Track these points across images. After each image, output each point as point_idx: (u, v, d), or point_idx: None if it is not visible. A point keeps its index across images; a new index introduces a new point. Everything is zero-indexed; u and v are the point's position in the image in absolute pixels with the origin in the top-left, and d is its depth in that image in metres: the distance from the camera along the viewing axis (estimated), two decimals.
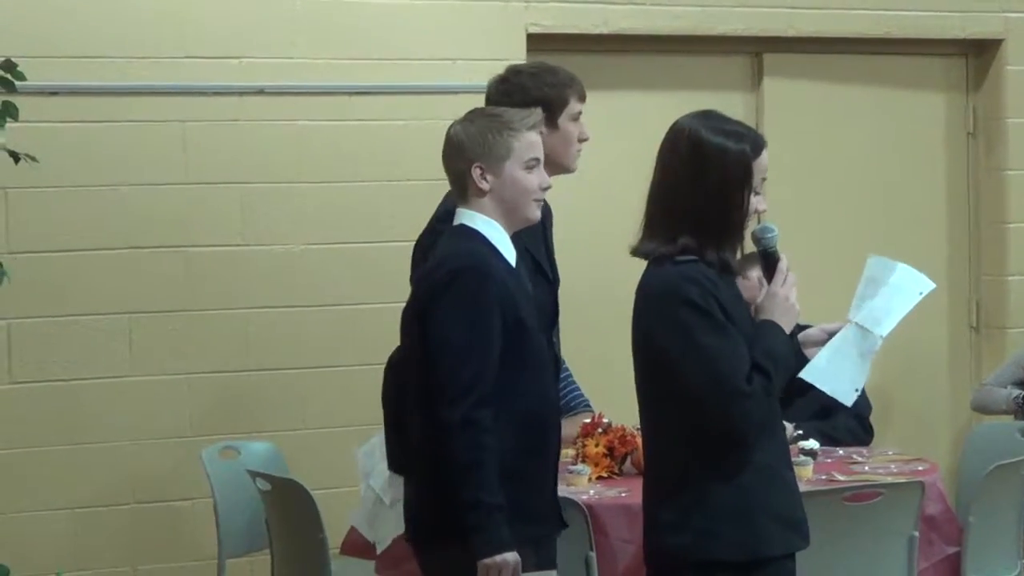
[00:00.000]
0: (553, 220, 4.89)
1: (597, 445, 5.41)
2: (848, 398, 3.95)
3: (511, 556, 3.89)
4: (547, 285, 4.73)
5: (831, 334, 4.00)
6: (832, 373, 3.91)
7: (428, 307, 4.04)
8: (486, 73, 4.99)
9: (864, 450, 5.98)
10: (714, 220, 3.78)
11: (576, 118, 4.79)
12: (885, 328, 3.94)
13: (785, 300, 3.86)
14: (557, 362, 4.75)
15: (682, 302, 3.72)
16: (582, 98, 4.83)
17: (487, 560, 3.90)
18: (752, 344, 3.77)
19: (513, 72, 4.87)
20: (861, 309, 3.97)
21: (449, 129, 4.23)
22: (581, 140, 4.82)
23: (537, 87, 4.76)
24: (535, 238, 4.68)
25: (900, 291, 3.94)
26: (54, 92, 6.24)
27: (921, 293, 3.97)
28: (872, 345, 3.94)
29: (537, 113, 4.28)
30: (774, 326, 3.82)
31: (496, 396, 3.95)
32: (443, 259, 4.09)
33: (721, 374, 3.69)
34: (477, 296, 3.98)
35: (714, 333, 3.71)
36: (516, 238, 4.28)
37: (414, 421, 4.11)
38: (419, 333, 4.07)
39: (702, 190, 3.77)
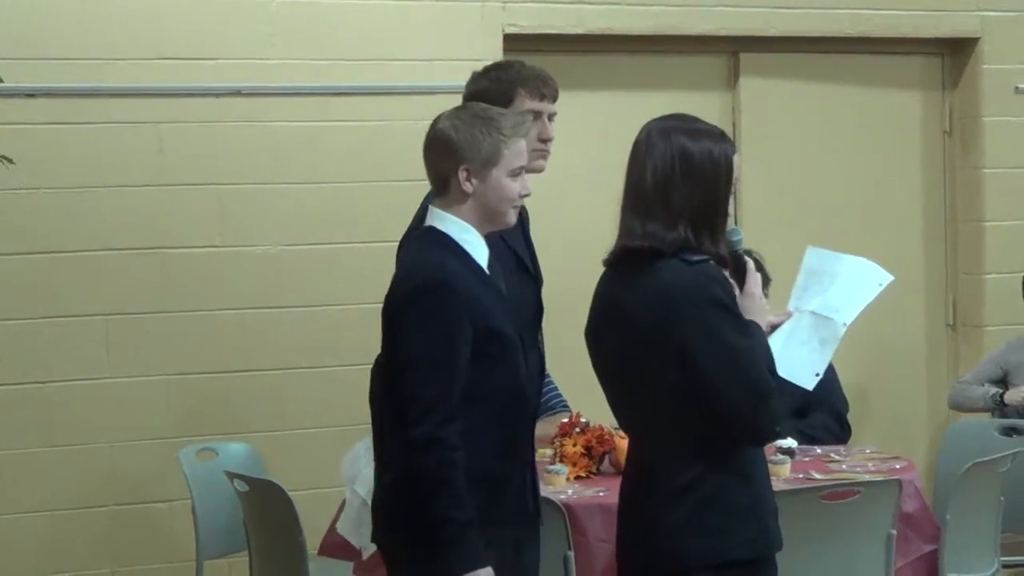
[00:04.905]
0: (528, 218, 4.85)
1: (575, 445, 5.40)
2: (809, 383, 3.97)
3: (484, 573, 3.87)
4: (532, 283, 4.69)
5: (775, 326, 4.00)
6: (788, 360, 3.93)
7: (394, 320, 4.01)
8: (463, 73, 4.96)
9: (842, 448, 5.98)
10: (706, 220, 3.78)
11: (531, 116, 4.57)
12: (847, 316, 3.95)
13: (761, 300, 3.87)
14: (542, 360, 4.71)
15: (709, 301, 3.70)
16: (538, 96, 4.67)
17: None
18: None
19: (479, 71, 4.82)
20: (809, 299, 3.99)
21: (436, 123, 4.06)
22: (542, 140, 4.67)
23: (476, 83, 4.69)
24: (516, 237, 4.64)
25: (857, 282, 3.96)
26: (31, 94, 6.23)
27: (881, 284, 3.99)
28: (835, 332, 3.96)
29: (527, 119, 4.15)
30: (759, 326, 3.82)
31: (466, 401, 3.92)
32: (411, 270, 4.02)
33: (751, 374, 3.70)
34: (443, 312, 3.90)
35: (740, 332, 3.72)
36: (497, 236, 4.23)
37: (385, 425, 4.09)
38: (386, 340, 4.06)
39: (692, 191, 3.77)
